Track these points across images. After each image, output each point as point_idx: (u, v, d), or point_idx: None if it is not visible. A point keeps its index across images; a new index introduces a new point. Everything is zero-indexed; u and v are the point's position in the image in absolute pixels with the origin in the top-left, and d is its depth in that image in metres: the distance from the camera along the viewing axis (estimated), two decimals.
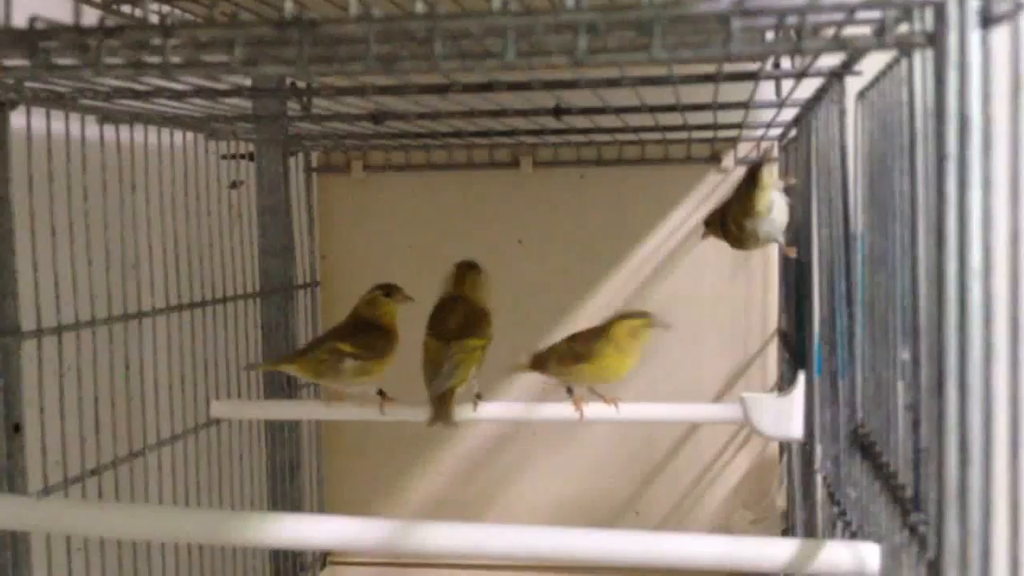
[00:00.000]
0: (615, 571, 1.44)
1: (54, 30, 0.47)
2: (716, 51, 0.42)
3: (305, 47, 0.45)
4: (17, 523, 0.75)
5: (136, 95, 0.78)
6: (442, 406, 1.01)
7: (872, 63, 0.67)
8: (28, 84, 0.77)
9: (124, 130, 1.01)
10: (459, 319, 1.09)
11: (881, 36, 0.45)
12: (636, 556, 0.65)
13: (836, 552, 0.65)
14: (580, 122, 1.07)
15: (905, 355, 0.55)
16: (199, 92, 0.79)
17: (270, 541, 0.68)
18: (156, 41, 0.45)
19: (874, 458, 0.65)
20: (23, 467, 0.87)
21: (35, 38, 0.47)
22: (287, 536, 0.68)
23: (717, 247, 1.43)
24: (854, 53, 0.65)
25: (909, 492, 0.54)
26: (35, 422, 0.88)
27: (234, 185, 1.30)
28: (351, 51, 0.46)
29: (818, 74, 0.74)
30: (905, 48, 0.47)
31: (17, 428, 0.86)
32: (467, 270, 1.13)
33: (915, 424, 0.52)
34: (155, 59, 0.48)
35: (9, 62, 0.49)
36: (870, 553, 0.63)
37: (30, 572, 0.88)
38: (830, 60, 0.74)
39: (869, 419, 0.69)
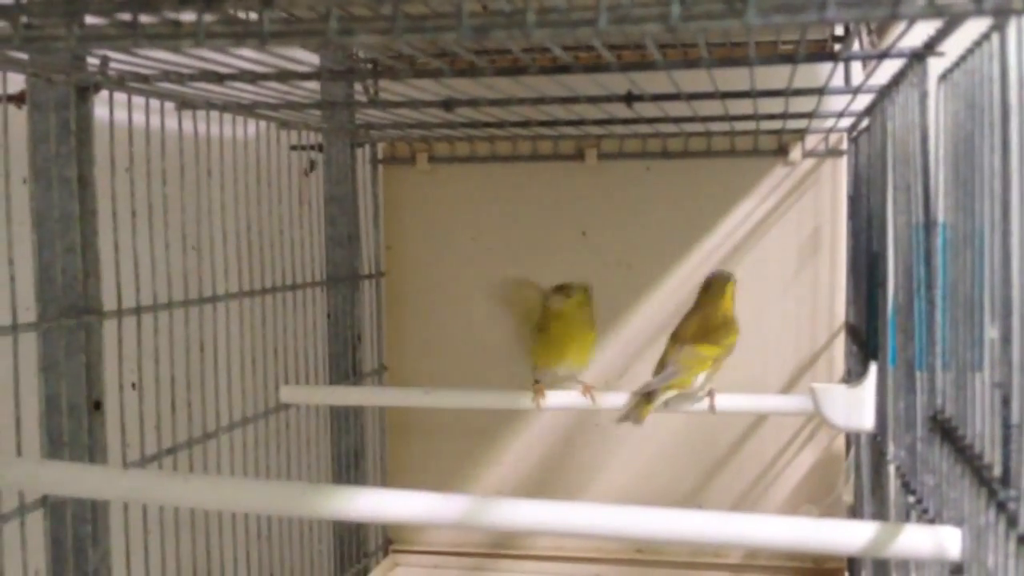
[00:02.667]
0: (677, 564, 1.45)
1: (154, 1, 0.48)
2: (811, 16, 0.42)
3: (399, 18, 0.46)
4: (104, 492, 0.77)
5: (218, 78, 0.79)
6: (639, 404, 1.03)
7: (952, 46, 0.66)
8: (114, 66, 0.79)
9: (200, 119, 1.03)
10: (695, 326, 1.11)
11: (979, 2, 0.44)
12: (713, 536, 0.65)
13: (915, 535, 0.64)
14: (649, 110, 1.07)
15: (994, 333, 0.54)
16: (278, 75, 0.80)
17: (350, 514, 0.69)
18: (254, 13, 0.46)
19: (956, 442, 0.64)
20: (103, 444, 0.89)
21: (136, 9, 0.48)
22: (365, 509, 0.69)
23: (783, 243, 1.42)
24: (944, 27, 0.64)
25: (997, 471, 0.53)
26: (114, 400, 0.90)
27: (308, 172, 1.33)
28: (444, 22, 0.46)
29: (899, 55, 0.73)
30: (1002, 15, 0.47)
31: (98, 406, 0.88)
32: (713, 281, 1.14)
33: (1005, 401, 0.51)
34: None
35: (109, 32, 0.50)
36: (951, 536, 0.62)
37: (108, 547, 0.90)
38: (911, 41, 0.73)
39: (950, 404, 0.68)
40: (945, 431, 0.67)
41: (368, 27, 0.46)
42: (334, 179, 1.39)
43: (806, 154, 1.40)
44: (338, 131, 1.34)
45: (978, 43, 0.58)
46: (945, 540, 0.62)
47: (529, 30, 0.45)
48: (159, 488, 0.71)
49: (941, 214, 0.71)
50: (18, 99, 0.83)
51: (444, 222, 1.51)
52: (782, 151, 1.41)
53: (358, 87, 1.23)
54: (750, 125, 1.24)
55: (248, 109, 1.04)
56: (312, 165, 1.36)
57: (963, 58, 0.62)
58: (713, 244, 1.44)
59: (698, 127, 1.25)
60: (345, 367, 1.40)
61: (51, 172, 0.85)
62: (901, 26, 0.76)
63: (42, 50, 0.72)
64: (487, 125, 1.19)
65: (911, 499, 0.78)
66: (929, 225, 0.73)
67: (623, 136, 1.39)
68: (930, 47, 0.70)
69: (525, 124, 1.17)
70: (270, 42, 0.47)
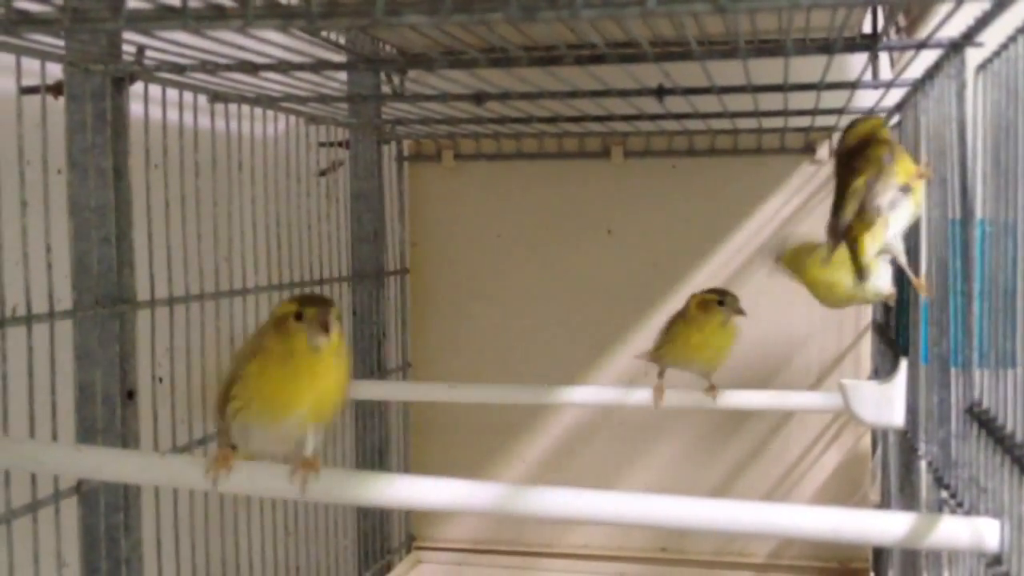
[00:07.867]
0: (701, 563, 1.44)
1: None
2: None
3: None
4: (141, 477, 0.77)
5: (253, 68, 0.80)
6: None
7: (991, 36, 0.66)
8: (150, 54, 0.80)
9: (232, 116, 1.04)
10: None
11: None
12: (749, 525, 0.65)
13: (953, 526, 0.63)
14: (679, 105, 1.07)
15: None
16: (312, 66, 0.81)
17: (383, 500, 0.70)
18: None
19: (994, 432, 0.63)
20: (136, 432, 0.90)
21: None
22: (398, 495, 0.70)
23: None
24: (984, 16, 0.64)
25: None
26: (147, 390, 0.91)
27: (323, 173, 1.33)
28: (491, 3, 0.47)
29: (937, 45, 0.73)
30: None
31: (131, 395, 0.89)
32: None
33: None
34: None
35: (154, 24, 0.51)
36: (989, 527, 0.62)
37: (140, 536, 0.90)
38: (947, 32, 0.73)
39: (987, 396, 0.67)
40: (983, 422, 0.67)
41: (416, 8, 0.47)
42: (360, 176, 1.40)
43: (833, 152, 1.40)
44: (365, 127, 1.35)
45: (1021, 30, 0.57)
46: (983, 531, 0.62)
47: (577, 10, 0.45)
48: (195, 474, 0.71)
49: (979, 207, 0.71)
50: (55, 90, 0.84)
51: (469, 219, 1.51)
52: (809, 149, 1.40)
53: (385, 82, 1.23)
54: (778, 122, 1.23)
55: (278, 102, 1.05)
56: (332, 166, 1.36)
57: (1004, 46, 0.62)
58: (739, 243, 1.43)
59: (726, 124, 1.25)
60: (370, 363, 1.40)
61: (87, 162, 0.86)
62: (935, 19, 0.75)
63: (89, 32, 0.72)
64: (514, 121, 1.19)
65: (944, 494, 0.77)
66: (967, 218, 0.73)
67: (650, 133, 1.39)
68: (968, 37, 0.70)
69: (553, 120, 1.17)
70: (317, 23, 0.47)
